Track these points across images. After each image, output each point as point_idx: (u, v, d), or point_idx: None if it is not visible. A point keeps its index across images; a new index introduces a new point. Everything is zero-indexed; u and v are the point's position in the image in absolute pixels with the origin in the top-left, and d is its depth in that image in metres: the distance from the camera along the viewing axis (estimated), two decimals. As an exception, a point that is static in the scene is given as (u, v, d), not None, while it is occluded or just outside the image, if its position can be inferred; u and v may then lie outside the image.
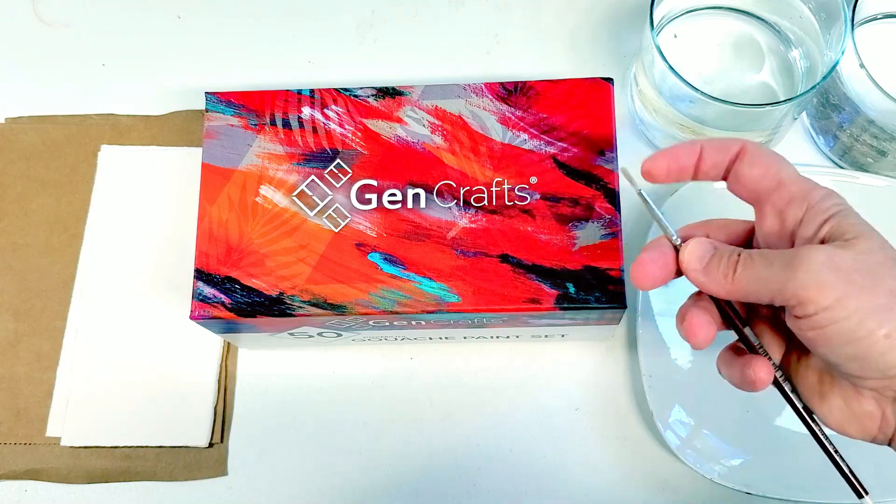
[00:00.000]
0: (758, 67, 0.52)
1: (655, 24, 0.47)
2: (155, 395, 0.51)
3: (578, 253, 0.43)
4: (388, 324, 0.45)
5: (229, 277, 0.44)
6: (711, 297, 0.36)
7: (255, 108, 0.46)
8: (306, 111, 0.46)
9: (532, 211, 0.44)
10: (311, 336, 0.48)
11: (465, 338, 0.49)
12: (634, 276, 0.36)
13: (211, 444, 0.50)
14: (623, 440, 0.50)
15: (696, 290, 0.37)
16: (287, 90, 0.47)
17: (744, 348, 0.36)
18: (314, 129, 0.46)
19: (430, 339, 0.49)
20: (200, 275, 0.44)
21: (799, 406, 0.36)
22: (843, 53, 0.45)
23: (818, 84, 0.45)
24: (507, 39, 0.58)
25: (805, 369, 0.36)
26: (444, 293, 0.43)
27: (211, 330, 0.46)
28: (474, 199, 0.44)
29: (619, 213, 0.43)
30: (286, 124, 0.46)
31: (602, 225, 0.43)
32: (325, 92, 0.47)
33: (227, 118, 0.46)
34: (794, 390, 0.36)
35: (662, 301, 0.50)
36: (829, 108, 0.50)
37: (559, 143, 0.45)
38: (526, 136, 0.45)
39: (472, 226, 0.44)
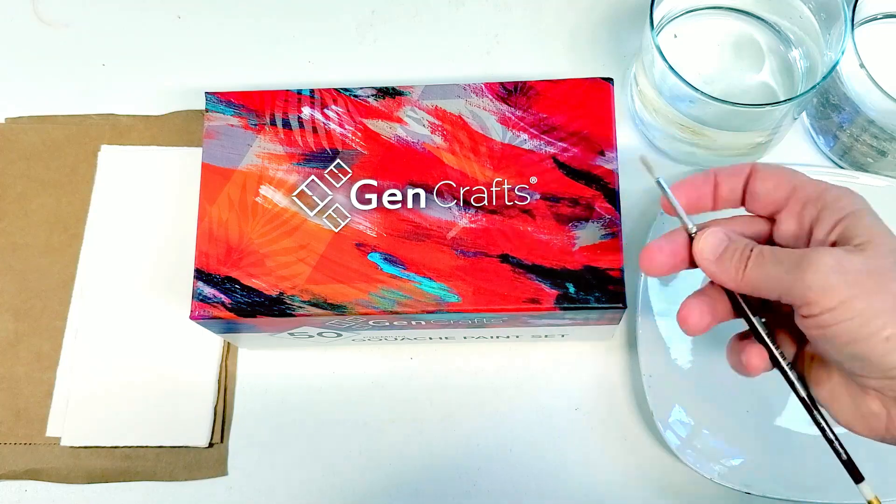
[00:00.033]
0: (758, 67, 0.52)
1: (655, 24, 0.47)
2: (155, 395, 0.51)
3: (578, 253, 0.43)
4: (388, 324, 0.45)
5: (229, 277, 0.44)
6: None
7: (255, 108, 0.46)
8: (306, 111, 0.46)
9: (532, 211, 0.44)
10: (311, 336, 0.48)
11: (465, 338, 0.49)
12: (641, 261, 0.38)
13: (211, 444, 0.50)
14: (623, 440, 0.50)
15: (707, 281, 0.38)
16: (287, 90, 0.47)
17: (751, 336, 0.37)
18: (314, 129, 0.46)
19: (430, 339, 0.49)
20: (200, 275, 0.44)
21: (802, 393, 0.36)
22: (843, 53, 0.45)
23: (818, 84, 0.45)
24: (507, 39, 0.58)
25: (818, 366, 0.36)
26: (444, 293, 0.43)
27: (211, 330, 0.46)
28: (474, 199, 0.44)
29: (619, 213, 0.43)
30: (286, 124, 0.46)
31: (602, 225, 0.43)
32: (325, 92, 0.47)
33: (227, 118, 0.46)
34: (799, 378, 0.37)
35: (662, 301, 0.50)
36: (829, 108, 0.50)
37: (559, 143, 0.45)
38: (526, 136, 0.45)
39: (472, 226, 0.44)
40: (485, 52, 0.58)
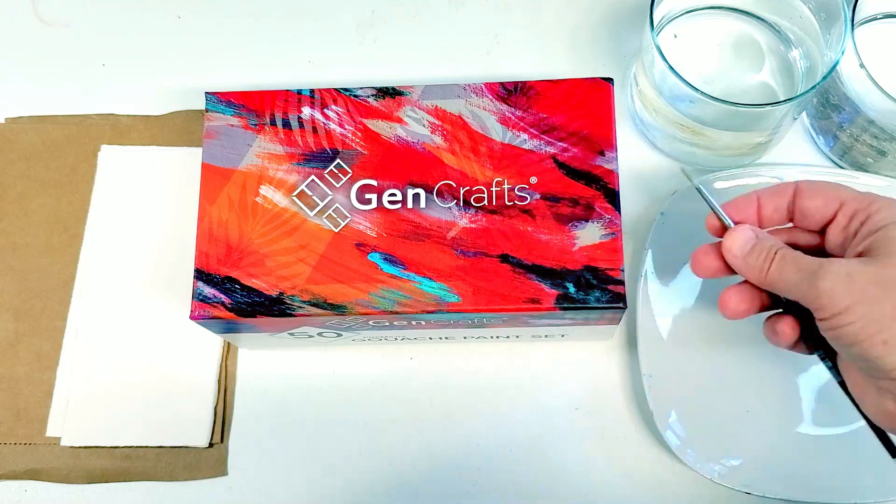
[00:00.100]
0: (758, 67, 0.52)
1: (655, 24, 0.47)
2: (155, 395, 0.51)
3: (578, 253, 0.43)
4: (388, 324, 0.45)
5: (229, 277, 0.44)
6: None
7: (255, 108, 0.46)
8: (306, 111, 0.46)
9: (532, 211, 0.44)
10: (311, 336, 0.48)
11: (465, 338, 0.49)
12: (691, 264, 0.41)
13: (211, 444, 0.50)
14: (623, 440, 0.50)
15: None
16: (287, 90, 0.47)
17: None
18: (314, 129, 0.46)
19: (430, 339, 0.49)
20: (200, 275, 0.44)
21: (837, 381, 0.39)
22: (843, 53, 0.45)
23: (818, 84, 0.45)
24: (507, 39, 0.58)
25: (847, 364, 0.39)
26: (444, 293, 0.43)
27: (211, 330, 0.46)
28: (474, 199, 0.44)
29: (619, 213, 0.43)
30: (286, 124, 0.46)
31: (602, 225, 0.43)
32: (325, 92, 0.47)
33: (227, 118, 0.46)
34: (832, 367, 0.39)
35: (662, 301, 0.50)
36: (829, 108, 0.50)
37: (559, 143, 0.45)
38: (526, 136, 0.45)
39: (472, 226, 0.44)
40: (485, 52, 0.58)
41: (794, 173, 0.51)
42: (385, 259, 0.43)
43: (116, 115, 0.57)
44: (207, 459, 0.50)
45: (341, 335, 0.48)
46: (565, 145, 0.45)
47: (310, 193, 0.45)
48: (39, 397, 0.51)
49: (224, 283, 0.44)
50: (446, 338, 0.49)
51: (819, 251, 0.40)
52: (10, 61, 0.59)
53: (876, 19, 0.52)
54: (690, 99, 0.47)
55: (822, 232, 0.39)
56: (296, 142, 0.46)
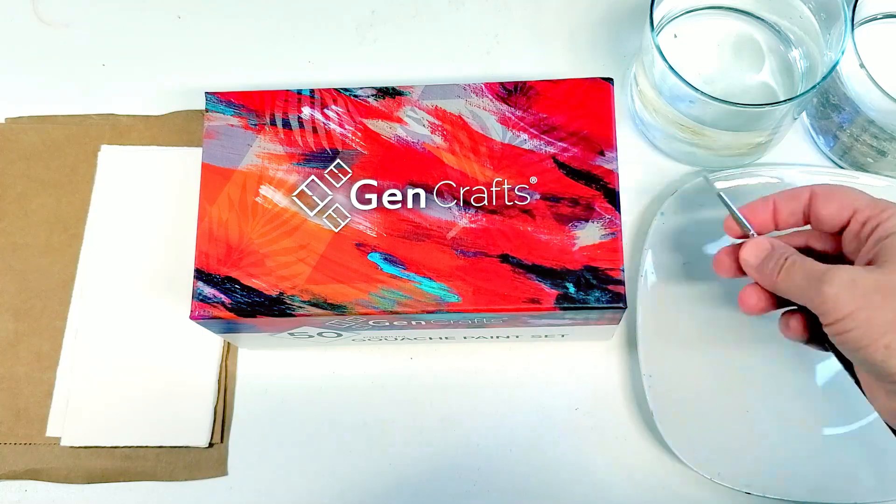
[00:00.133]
0: (758, 67, 0.52)
1: (655, 24, 0.47)
2: (155, 395, 0.51)
3: (578, 253, 0.43)
4: (388, 324, 0.45)
5: (229, 277, 0.44)
6: None
7: (255, 108, 0.46)
8: (306, 111, 0.46)
9: (532, 211, 0.44)
10: (311, 336, 0.48)
11: (465, 338, 0.49)
12: (713, 263, 0.43)
13: (211, 444, 0.50)
14: (623, 440, 0.50)
15: None
16: (287, 90, 0.47)
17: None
18: (314, 129, 0.46)
19: (430, 339, 0.49)
20: (200, 275, 0.44)
21: (854, 380, 0.40)
22: (843, 53, 0.45)
23: (818, 84, 0.45)
24: (507, 39, 0.58)
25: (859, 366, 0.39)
26: (444, 293, 0.43)
27: (211, 330, 0.46)
28: (474, 199, 0.44)
29: (619, 213, 0.43)
30: (286, 124, 0.46)
31: (602, 225, 0.43)
32: (325, 92, 0.47)
33: (227, 118, 0.46)
34: (848, 368, 0.40)
35: (662, 301, 0.50)
36: (829, 108, 0.50)
37: (559, 143, 0.45)
38: (526, 136, 0.45)
39: (472, 226, 0.44)
40: (485, 52, 0.58)
41: (794, 173, 0.51)
42: (385, 259, 0.43)
43: (116, 115, 0.57)
44: (207, 459, 0.50)
45: (341, 335, 0.48)
46: (565, 145, 0.45)
47: (310, 193, 0.45)
48: (39, 397, 0.51)
49: (224, 283, 0.44)
50: (446, 338, 0.49)
51: (838, 254, 0.41)
52: (10, 61, 0.59)
53: (876, 19, 0.52)
54: (690, 99, 0.47)
55: (840, 233, 0.40)
56: (296, 142, 0.46)
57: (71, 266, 0.54)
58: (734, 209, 0.42)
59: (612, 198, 0.44)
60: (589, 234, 0.43)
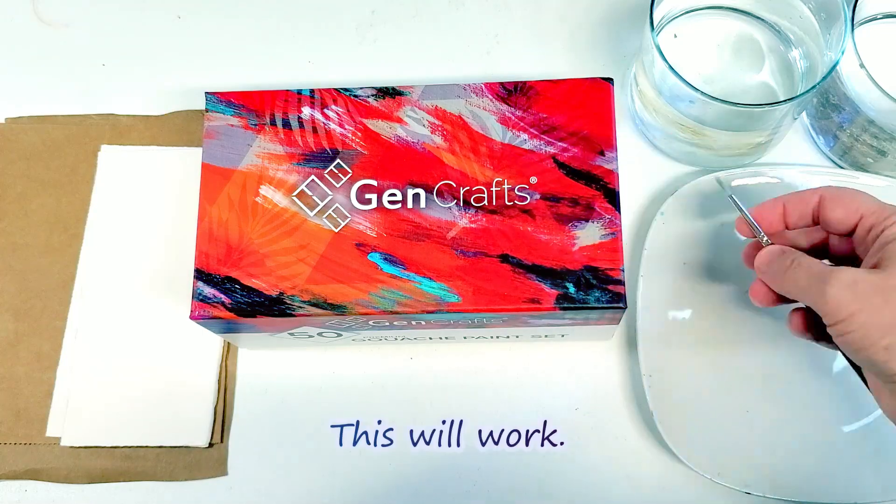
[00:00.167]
0: (758, 67, 0.52)
1: (655, 24, 0.47)
2: (155, 395, 0.51)
3: (578, 253, 0.43)
4: (388, 324, 0.45)
5: (229, 277, 0.44)
6: None
7: (255, 108, 0.46)
8: (306, 111, 0.46)
9: (532, 211, 0.44)
10: (311, 336, 0.48)
11: (465, 338, 0.49)
12: (743, 257, 0.45)
13: (211, 444, 0.50)
14: (623, 440, 0.50)
15: None
16: (287, 90, 0.47)
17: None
18: (314, 129, 0.46)
19: (430, 339, 0.49)
20: (200, 275, 0.44)
21: (862, 380, 0.41)
22: (843, 53, 0.45)
23: (818, 84, 0.45)
24: (507, 39, 0.58)
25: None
26: (444, 293, 0.43)
27: (211, 330, 0.46)
28: (474, 199, 0.44)
29: (619, 213, 0.43)
30: (286, 124, 0.46)
31: (602, 225, 0.43)
32: (325, 92, 0.47)
33: (227, 118, 0.46)
34: (857, 369, 0.41)
35: (662, 301, 0.50)
36: (829, 108, 0.50)
37: (559, 143, 0.45)
38: (526, 136, 0.45)
39: (472, 226, 0.44)
40: (485, 52, 0.58)
41: (794, 173, 0.51)
42: (385, 259, 0.43)
43: (116, 115, 0.57)
44: (207, 459, 0.50)
45: (341, 335, 0.48)
46: (565, 145, 0.45)
47: (310, 193, 0.45)
48: (39, 397, 0.51)
49: (224, 283, 0.44)
50: (446, 338, 0.49)
51: (852, 254, 0.42)
52: (10, 61, 0.59)
53: (876, 19, 0.52)
54: (690, 99, 0.47)
55: (850, 236, 0.41)
56: (296, 142, 0.46)
57: (71, 266, 0.54)
58: (745, 212, 0.43)
59: (612, 198, 0.44)
60: (589, 234, 0.43)
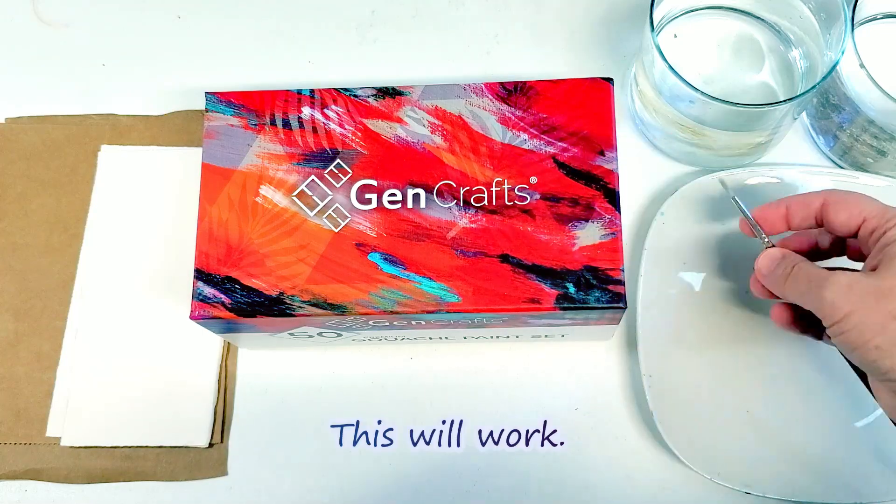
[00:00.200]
0: (758, 67, 0.52)
1: (655, 24, 0.47)
2: (155, 395, 0.51)
3: (578, 253, 0.43)
4: (388, 324, 0.45)
5: (229, 277, 0.44)
6: None
7: (255, 108, 0.46)
8: (306, 111, 0.46)
9: (532, 211, 0.44)
10: (311, 336, 0.48)
11: (465, 338, 0.49)
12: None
13: (211, 445, 0.50)
14: (623, 440, 0.50)
15: None
16: (287, 90, 0.47)
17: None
18: (314, 129, 0.46)
19: (430, 339, 0.49)
20: (200, 275, 0.44)
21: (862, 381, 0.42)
22: (843, 53, 0.45)
23: (818, 84, 0.45)
24: (507, 39, 0.58)
25: None
26: (444, 293, 0.43)
27: (211, 330, 0.46)
28: (474, 199, 0.44)
29: (619, 213, 0.43)
30: (286, 124, 0.46)
31: (602, 225, 0.43)
32: (325, 92, 0.47)
33: (227, 118, 0.46)
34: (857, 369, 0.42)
35: (662, 301, 0.50)
36: (829, 108, 0.50)
37: (559, 143, 0.45)
38: (526, 136, 0.45)
39: (472, 226, 0.44)
40: (485, 52, 0.58)
41: (794, 173, 0.51)
42: (385, 259, 0.43)
43: (116, 115, 0.57)
44: (207, 459, 0.50)
45: (341, 335, 0.48)
46: (565, 145, 0.45)
47: (310, 193, 0.45)
48: (39, 397, 0.51)
49: (224, 283, 0.44)
50: (446, 338, 0.49)
51: (859, 256, 0.43)
52: (10, 61, 0.59)
53: (876, 19, 0.52)
54: (690, 99, 0.47)
55: (855, 236, 0.41)
56: (296, 142, 0.46)
57: (71, 266, 0.54)
58: (748, 213, 0.43)
59: (612, 198, 0.44)
60: (589, 234, 0.43)
